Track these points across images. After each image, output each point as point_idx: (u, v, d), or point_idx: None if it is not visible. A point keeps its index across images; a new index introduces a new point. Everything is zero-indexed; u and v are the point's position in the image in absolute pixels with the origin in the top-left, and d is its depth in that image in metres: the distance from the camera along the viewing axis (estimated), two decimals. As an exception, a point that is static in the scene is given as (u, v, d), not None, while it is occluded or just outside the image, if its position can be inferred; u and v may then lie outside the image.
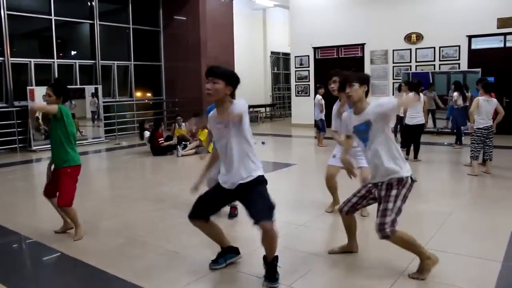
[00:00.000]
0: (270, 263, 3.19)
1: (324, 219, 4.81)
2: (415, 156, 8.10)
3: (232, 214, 4.89)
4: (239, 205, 4.67)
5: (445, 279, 3.26)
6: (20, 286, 3.36)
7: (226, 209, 4.74)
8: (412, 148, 8.15)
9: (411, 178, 3.29)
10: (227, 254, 3.55)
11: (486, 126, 6.69)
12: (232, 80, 3.15)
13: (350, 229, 3.70)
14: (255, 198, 3.16)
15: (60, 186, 4.18)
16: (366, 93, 3.36)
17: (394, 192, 3.20)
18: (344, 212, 3.57)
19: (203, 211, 3.37)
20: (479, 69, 11.41)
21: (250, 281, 3.29)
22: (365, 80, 3.35)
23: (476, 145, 6.81)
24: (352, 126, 3.38)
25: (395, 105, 3.26)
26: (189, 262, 3.69)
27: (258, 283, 3.23)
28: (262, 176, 3.27)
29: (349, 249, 3.75)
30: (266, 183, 3.29)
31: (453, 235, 4.26)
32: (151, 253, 3.87)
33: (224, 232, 3.57)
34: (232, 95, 3.21)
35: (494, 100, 6.73)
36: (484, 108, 6.64)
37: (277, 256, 3.20)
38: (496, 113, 6.89)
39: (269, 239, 3.09)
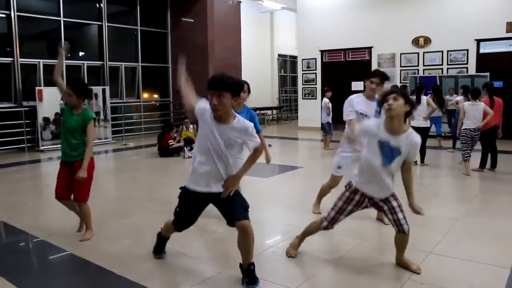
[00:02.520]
0: (247, 269, 3.16)
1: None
2: (422, 161, 8.08)
3: None
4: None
5: (452, 285, 3.24)
6: (27, 285, 3.38)
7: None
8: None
9: None
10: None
11: (473, 128, 7.12)
12: (237, 89, 3.02)
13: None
14: (233, 197, 3.12)
15: (80, 181, 4.17)
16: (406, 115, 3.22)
17: (397, 203, 3.38)
18: (323, 228, 3.56)
19: (186, 224, 3.43)
20: (488, 73, 11.35)
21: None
22: (409, 98, 3.20)
23: (463, 145, 7.25)
24: (383, 140, 3.21)
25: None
26: (196, 263, 3.69)
27: (264, 286, 3.23)
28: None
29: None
30: None
31: (460, 241, 4.23)
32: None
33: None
34: None
35: (481, 104, 7.10)
36: (471, 112, 7.10)
37: (253, 263, 3.18)
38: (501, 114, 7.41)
39: (248, 238, 3.05)
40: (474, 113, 7.06)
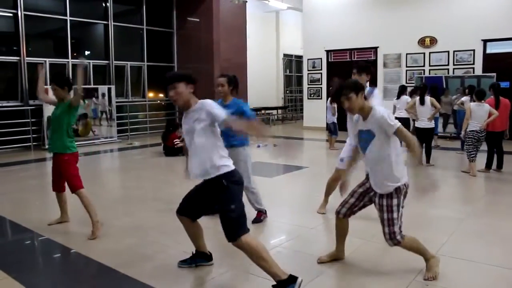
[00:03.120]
0: (275, 286, 3.00)
1: (334, 222, 4.78)
2: (428, 161, 8.05)
3: (257, 220, 4.71)
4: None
5: (457, 286, 3.22)
6: (32, 283, 3.39)
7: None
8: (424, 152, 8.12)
9: (405, 184, 3.24)
10: (198, 259, 3.57)
11: (479, 130, 7.05)
12: (189, 78, 3.16)
13: (343, 234, 3.60)
14: (221, 213, 3.07)
15: (67, 173, 4.44)
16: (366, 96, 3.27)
17: (395, 201, 3.20)
18: (342, 215, 3.50)
19: (189, 210, 3.41)
20: (494, 74, 11.28)
21: (261, 284, 3.28)
22: (359, 87, 3.17)
23: (469, 146, 7.19)
24: (358, 129, 3.31)
25: (393, 128, 3.10)
26: (200, 263, 3.69)
27: (268, 286, 3.22)
28: (225, 177, 3.08)
29: (338, 256, 3.66)
30: (234, 183, 3.09)
31: (465, 242, 4.21)
32: (162, 253, 3.89)
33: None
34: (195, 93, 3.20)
35: (486, 106, 7.04)
36: (477, 113, 7.03)
37: (280, 282, 2.96)
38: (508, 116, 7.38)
39: (249, 255, 3.02)
40: (479, 113, 7.02)
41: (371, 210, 4.63)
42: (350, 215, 3.51)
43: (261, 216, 4.75)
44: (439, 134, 10.92)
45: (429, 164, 8.03)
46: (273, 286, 3.00)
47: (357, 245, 4.01)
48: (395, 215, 3.19)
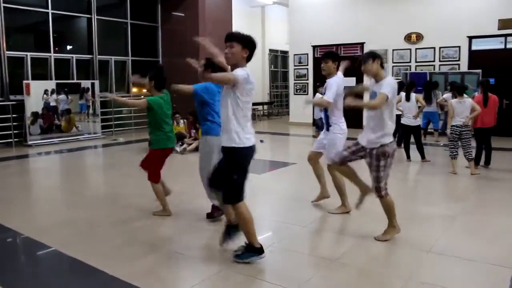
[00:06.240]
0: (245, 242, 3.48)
1: (326, 220, 4.73)
2: (422, 157, 8.03)
3: (211, 215, 4.62)
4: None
5: (449, 284, 3.19)
6: (15, 285, 3.26)
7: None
8: (412, 150, 8.12)
9: (390, 146, 3.84)
10: (231, 230, 3.72)
11: (460, 125, 6.95)
12: (249, 43, 3.32)
13: (350, 173, 4.17)
14: (224, 179, 3.38)
15: (149, 165, 4.99)
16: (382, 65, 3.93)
17: (382, 163, 3.81)
18: (337, 164, 4.17)
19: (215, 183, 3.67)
20: (479, 70, 11.36)
21: (255, 284, 3.21)
22: (376, 56, 3.90)
23: (450, 142, 7.13)
24: (371, 90, 3.96)
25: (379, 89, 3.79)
26: (192, 263, 3.60)
27: (264, 286, 3.14)
28: (232, 150, 3.31)
29: (365, 192, 4.13)
30: (237, 157, 3.32)
31: (459, 239, 4.19)
32: (151, 254, 3.78)
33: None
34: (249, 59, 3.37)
35: (468, 101, 6.96)
36: (459, 109, 6.95)
37: (246, 243, 3.46)
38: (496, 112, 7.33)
39: (239, 220, 3.43)
40: (461, 109, 6.91)
41: (370, 209, 4.61)
42: (343, 164, 4.14)
43: (214, 213, 4.56)
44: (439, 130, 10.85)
45: (425, 160, 8.01)
46: (243, 246, 3.50)
47: (354, 245, 3.96)
48: (380, 174, 3.82)
